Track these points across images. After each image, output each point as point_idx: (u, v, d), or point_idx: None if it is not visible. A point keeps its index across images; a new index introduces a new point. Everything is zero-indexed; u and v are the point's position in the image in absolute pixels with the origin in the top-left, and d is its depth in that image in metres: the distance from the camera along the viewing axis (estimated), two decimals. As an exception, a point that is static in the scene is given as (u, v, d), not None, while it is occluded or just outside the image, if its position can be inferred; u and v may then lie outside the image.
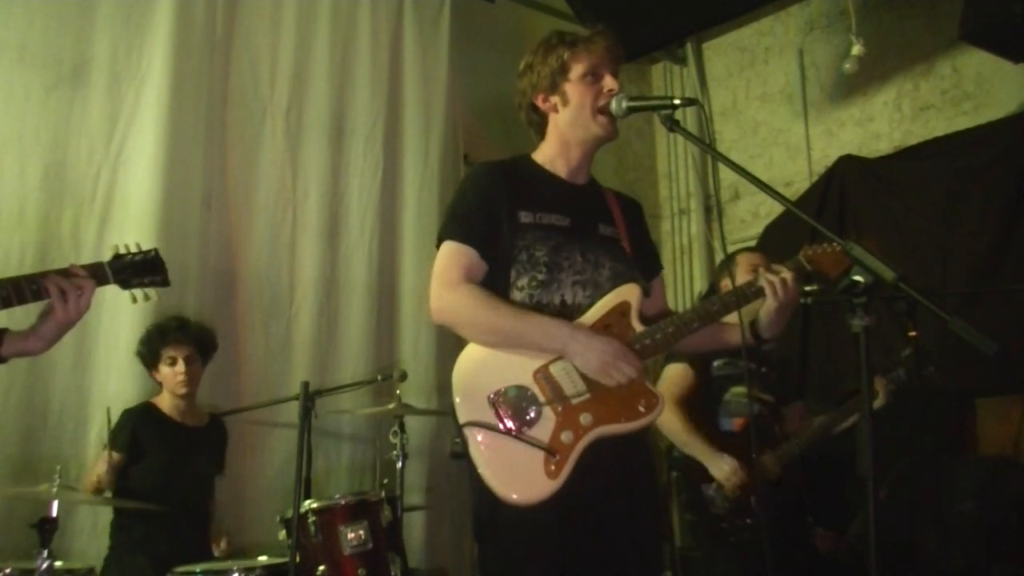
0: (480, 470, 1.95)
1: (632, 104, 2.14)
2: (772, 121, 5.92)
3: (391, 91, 4.75)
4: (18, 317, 2.18)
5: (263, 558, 3.22)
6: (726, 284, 3.25)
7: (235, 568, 3.02)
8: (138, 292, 2.24)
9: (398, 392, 3.65)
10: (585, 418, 2.00)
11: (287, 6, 4.51)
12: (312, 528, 3.03)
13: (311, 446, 3.44)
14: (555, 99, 2.22)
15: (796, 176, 5.68)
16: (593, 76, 2.18)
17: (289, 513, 3.02)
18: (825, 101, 5.64)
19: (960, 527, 3.63)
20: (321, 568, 2.98)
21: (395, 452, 3.52)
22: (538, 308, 2.10)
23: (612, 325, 2.11)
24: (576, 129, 2.22)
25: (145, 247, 2.28)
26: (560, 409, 2.00)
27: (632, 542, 2.10)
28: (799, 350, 5.13)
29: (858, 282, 1.70)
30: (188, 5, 4.13)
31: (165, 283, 2.28)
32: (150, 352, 3.54)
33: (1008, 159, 4.58)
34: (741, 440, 3.32)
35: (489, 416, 1.98)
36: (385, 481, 3.53)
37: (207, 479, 3.63)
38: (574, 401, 2.01)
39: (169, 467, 3.45)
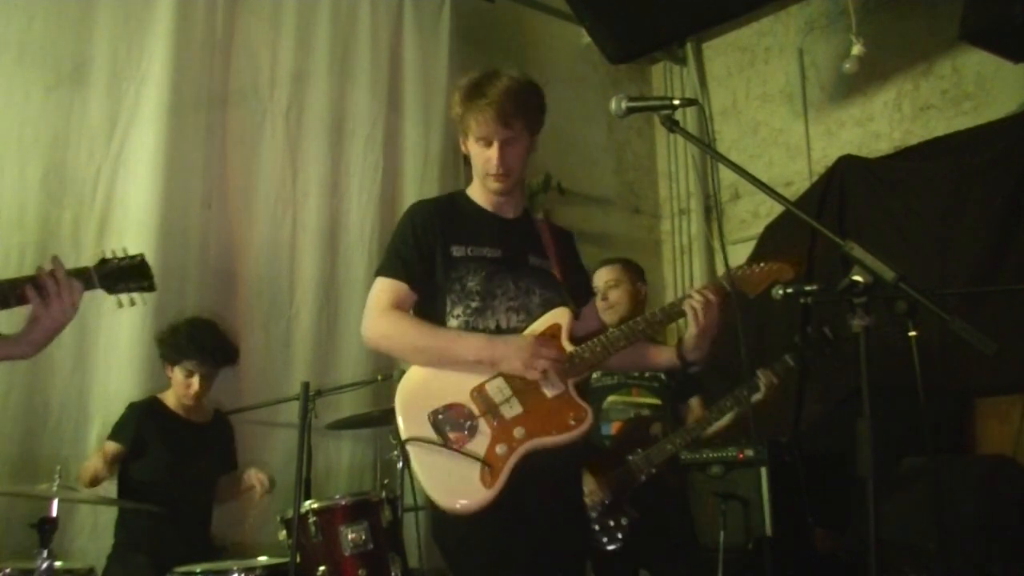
0: (421, 483, 2.10)
1: (632, 104, 2.13)
2: (772, 121, 5.92)
3: (391, 91, 4.75)
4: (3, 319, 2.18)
5: (263, 558, 3.22)
6: None
7: (235, 568, 3.02)
8: (124, 297, 2.21)
9: (398, 392, 3.64)
10: (518, 431, 2.12)
11: (287, 6, 4.51)
12: (312, 528, 3.02)
13: (311, 446, 3.44)
14: (466, 148, 2.36)
15: (796, 176, 5.69)
16: (484, 141, 2.28)
17: (289, 513, 3.02)
18: (825, 101, 5.64)
19: (960, 527, 3.63)
20: (321, 568, 2.98)
21: (395, 452, 3.52)
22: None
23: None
24: (481, 180, 2.36)
25: (135, 250, 2.26)
26: (495, 424, 2.13)
27: (562, 545, 2.24)
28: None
29: (858, 282, 1.70)
30: (188, 5, 4.13)
31: (151, 288, 2.25)
32: (173, 352, 3.51)
33: (1008, 159, 4.58)
34: (616, 442, 3.38)
35: (428, 432, 2.11)
36: (385, 481, 3.53)
37: (210, 478, 3.63)
38: (508, 416, 2.14)
39: (172, 465, 3.45)
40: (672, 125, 2.08)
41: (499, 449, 2.10)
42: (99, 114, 3.90)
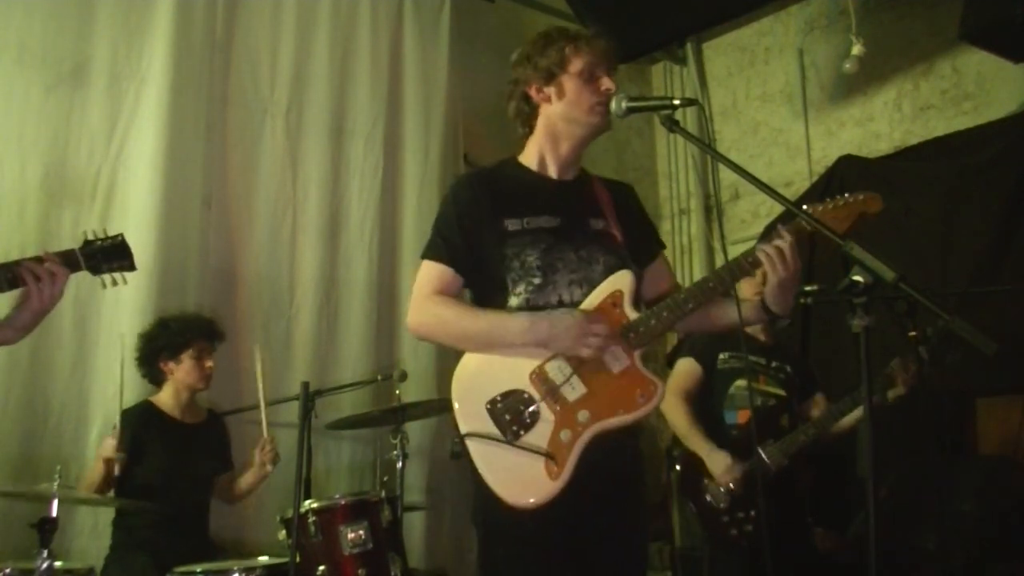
0: (486, 480, 1.97)
1: (632, 104, 2.13)
2: (772, 121, 5.92)
3: (391, 91, 4.75)
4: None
5: (263, 558, 3.22)
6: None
7: (235, 568, 3.02)
8: (107, 278, 2.27)
9: (398, 392, 3.65)
10: (582, 415, 1.99)
11: (287, 6, 4.51)
12: (312, 528, 3.03)
13: (311, 446, 3.44)
14: (550, 90, 2.21)
15: (796, 176, 5.68)
16: (591, 74, 2.18)
17: (289, 513, 3.02)
18: (825, 101, 5.64)
19: (960, 527, 3.63)
20: (321, 568, 2.98)
21: (395, 452, 3.52)
22: (536, 310, 2.08)
23: (605, 316, 2.07)
24: (569, 122, 2.21)
25: (133, 247, 2.31)
26: (558, 408, 2.00)
27: (624, 538, 2.11)
28: (799, 350, 5.12)
29: (858, 282, 1.70)
30: (188, 5, 4.13)
31: (132, 267, 2.31)
32: (177, 340, 3.52)
33: (1008, 159, 4.57)
34: (744, 432, 3.37)
35: (487, 425, 1.99)
36: (385, 480, 3.54)
37: (207, 479, 3.63)
38: (571, 399, 2.00)
39: (170, 468, 3.44)
40: (672, 125, 2.08)
41: (563, 436, 1.96)
42: (99, 114, 3.90)
